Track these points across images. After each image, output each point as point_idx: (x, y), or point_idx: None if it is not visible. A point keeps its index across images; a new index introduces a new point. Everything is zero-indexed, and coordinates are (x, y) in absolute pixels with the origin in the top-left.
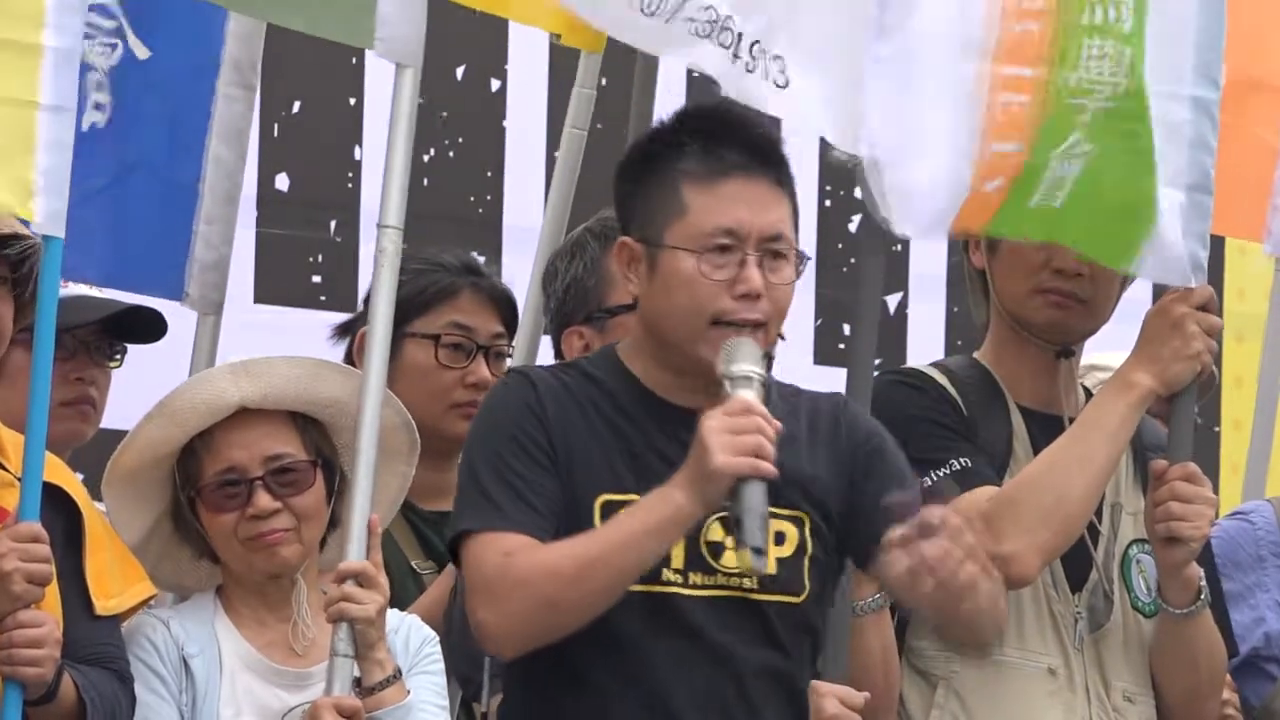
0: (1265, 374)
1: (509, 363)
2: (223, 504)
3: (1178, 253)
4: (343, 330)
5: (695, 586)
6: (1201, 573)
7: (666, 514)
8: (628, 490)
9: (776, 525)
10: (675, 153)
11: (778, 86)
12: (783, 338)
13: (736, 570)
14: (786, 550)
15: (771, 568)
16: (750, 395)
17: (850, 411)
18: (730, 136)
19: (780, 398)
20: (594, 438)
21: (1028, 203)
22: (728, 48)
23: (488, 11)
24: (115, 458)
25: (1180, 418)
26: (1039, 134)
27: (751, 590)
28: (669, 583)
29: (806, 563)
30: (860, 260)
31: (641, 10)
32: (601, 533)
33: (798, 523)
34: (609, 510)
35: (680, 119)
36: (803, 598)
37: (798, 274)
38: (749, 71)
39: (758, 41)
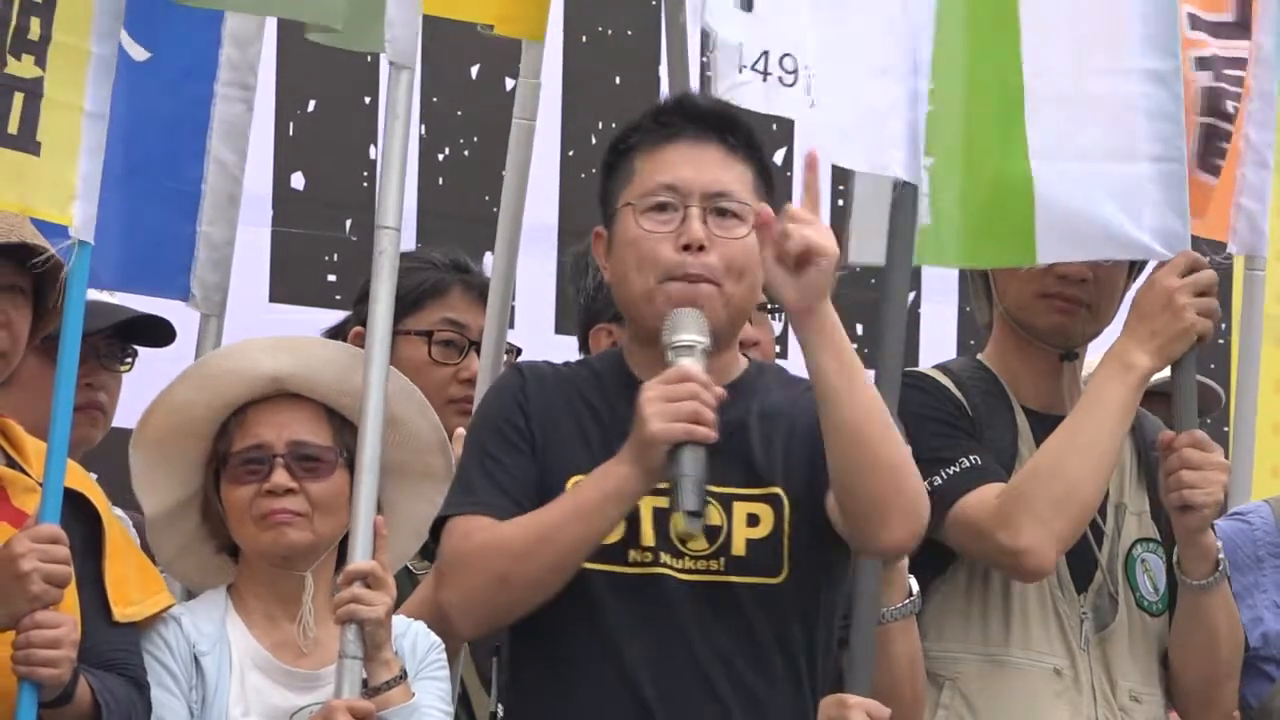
0: (1243, 373)
1: (480, 360)
2: (243, 477)
3: (1101, 226)
4: (334, 333)
5: (670, 568)
6: (1220, 545)
7: (611, 486)
8: None
9: (749, 507)
10: (632, 133)
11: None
12: (775, 316)
13: (703, 553)
14: (760, 532)
15: (741, 549)
16: (690, 363)
17: None
18: (683, 109)
19: (775, 379)
20: (574, 421)
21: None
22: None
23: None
24: (144, 417)
25: (1182, 387)
26: None
27: (720, 572)
28: (645, 564)
29: (785, 543)
30: (888, 268)
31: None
32: (550, 508)
33: (774, 502)
34: None
35: (647, 112)
36: (781, 578)
37: (761, 235)
38: (785, 85)
39: (789, 54)
